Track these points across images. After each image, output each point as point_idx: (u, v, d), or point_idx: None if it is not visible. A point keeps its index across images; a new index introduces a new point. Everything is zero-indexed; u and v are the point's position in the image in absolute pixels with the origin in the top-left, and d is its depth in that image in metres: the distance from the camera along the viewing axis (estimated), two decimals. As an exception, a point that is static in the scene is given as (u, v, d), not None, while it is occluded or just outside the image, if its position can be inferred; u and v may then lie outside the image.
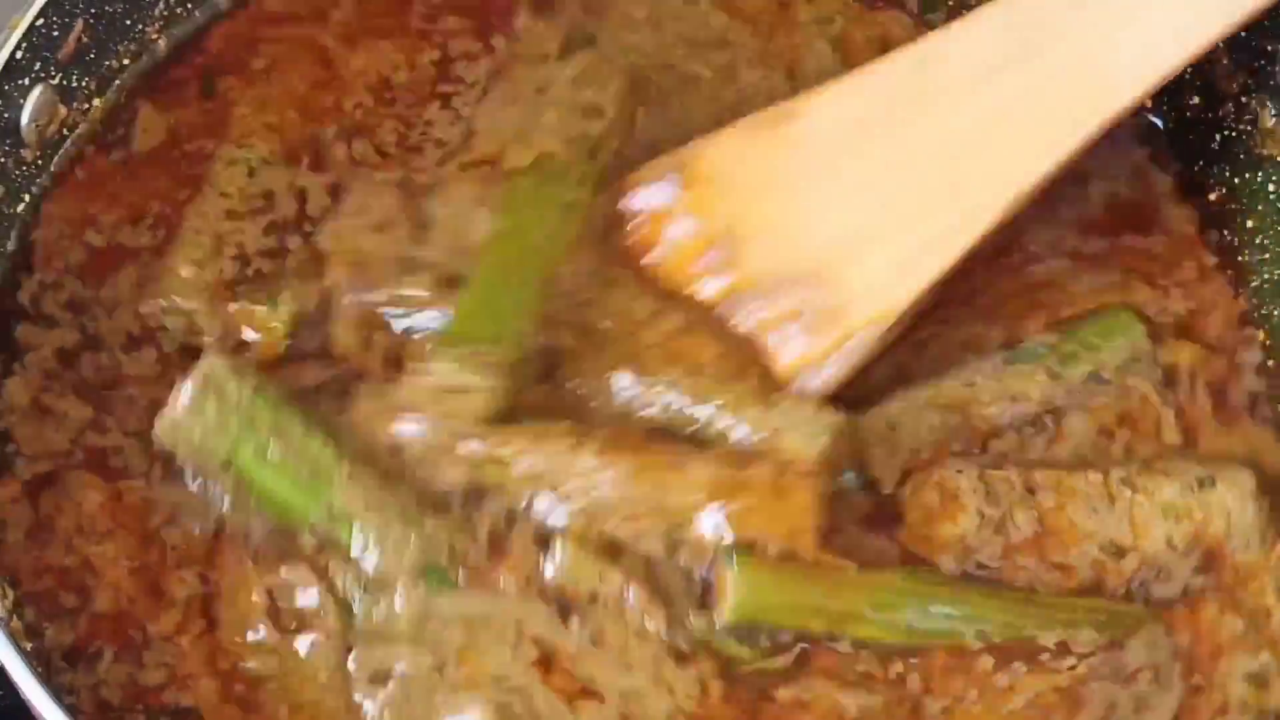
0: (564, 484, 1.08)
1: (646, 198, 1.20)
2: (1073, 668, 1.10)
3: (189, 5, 1.30)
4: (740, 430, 1.12)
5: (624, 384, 1.13)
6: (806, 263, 1.16)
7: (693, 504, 1.08)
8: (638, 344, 1.15)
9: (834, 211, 1.16)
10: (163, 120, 1.28)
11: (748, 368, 1.15)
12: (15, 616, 1.06)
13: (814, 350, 1.15)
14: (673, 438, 1.12)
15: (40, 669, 1.01)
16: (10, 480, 1.13)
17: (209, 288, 1.19)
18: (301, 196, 1.24)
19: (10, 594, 1.07)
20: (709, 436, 1.12)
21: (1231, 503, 1.14)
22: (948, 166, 1.14)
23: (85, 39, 1.23)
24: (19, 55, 1.18)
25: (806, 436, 1.10)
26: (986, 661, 1.10)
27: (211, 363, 1.09)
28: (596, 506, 1.08)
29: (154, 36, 1.28)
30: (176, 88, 1.29)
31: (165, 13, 1.28)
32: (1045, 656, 1.10)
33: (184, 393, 1.08)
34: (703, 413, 1.13)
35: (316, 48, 1.31)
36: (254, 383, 1.09)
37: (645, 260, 1.19)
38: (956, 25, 1.16)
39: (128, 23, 1.26)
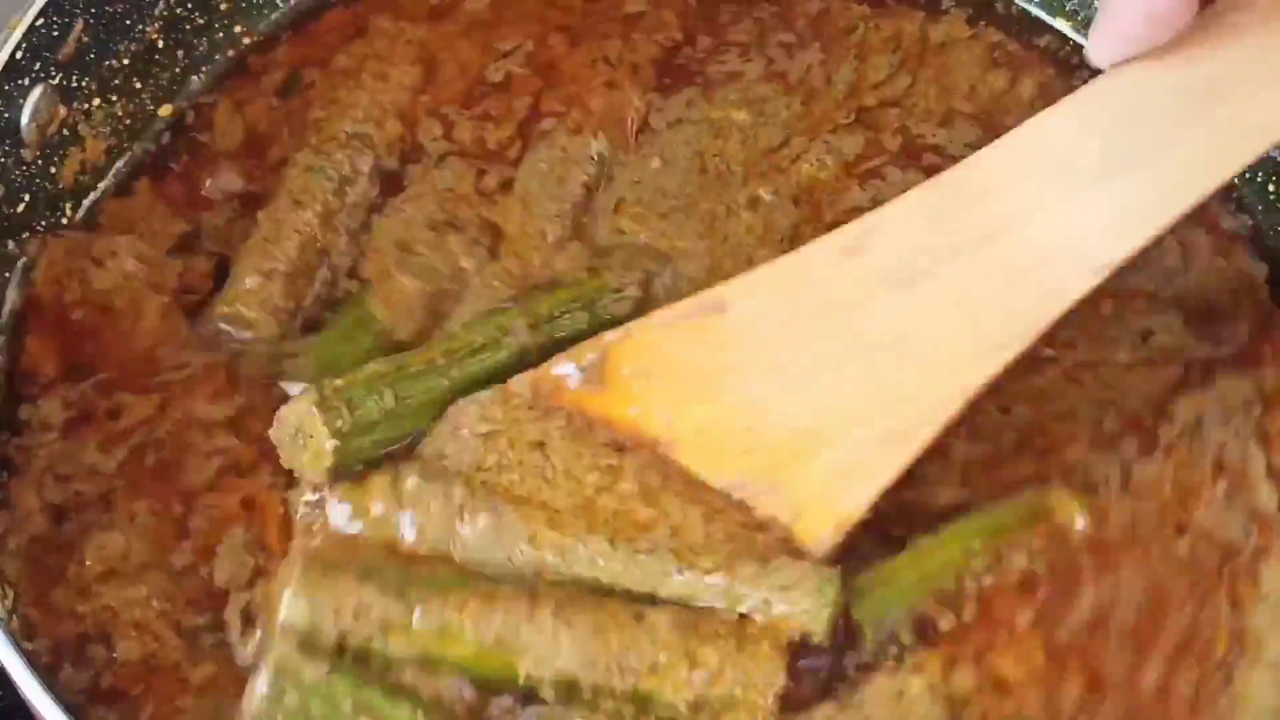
0: (525, 651, 1.03)
1: (576, 380, 1.11)
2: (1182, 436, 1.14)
3: (189, 5, 1.30)
4: (731, 598, 1.04)
5: (599, 557, 1.06)
6: (749, 469, 1.07)
7: (655, 662, 1.03)
8: (599, 514, 1.07)
9: (771, 412, 1.07)
10: (239, 118, 1.29)
11: (736, 532, 1.07)
12: (15, 616, 1.06)
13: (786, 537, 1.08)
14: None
15: (41, 670, 1.01)
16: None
17: (272, 301, 1.18)
18: (376, 208, 1.24)
19: (10, 594, 1.07)
20: (695, 604, 1.05)
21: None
22: (890, 364, 1.05)
23: (85, 39, 1.23)
24: (19, 55, 1.18)
25: (808, 610, 1.04)
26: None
27: (280, 652, 1.04)
28: (564, 675, 1.03)
29: (153, 36, 1.28)
30: (256, 80, 1.31)
31: (165, 13, 1.28)
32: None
33: (259, 686, 1.04)
34: (689, 578, 1.05)
35: (421, 45, 1.31)
36: (327, 663, 1.04)
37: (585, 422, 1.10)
38: (883, 211, 1.07)
39: (128, 23, 1.26)
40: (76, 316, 1.19)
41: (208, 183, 1.26)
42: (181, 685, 1.07)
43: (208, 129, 1.29)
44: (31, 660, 1.01)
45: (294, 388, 1.15)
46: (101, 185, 1.26)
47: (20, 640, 1.02)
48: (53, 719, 0.99)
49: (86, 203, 1.25)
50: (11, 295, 1.20)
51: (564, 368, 1.12)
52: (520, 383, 1.12)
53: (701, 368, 1.09)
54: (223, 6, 1.32)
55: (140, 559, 1.10)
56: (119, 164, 1.27)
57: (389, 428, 1.11)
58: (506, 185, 1.25)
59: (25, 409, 1.16)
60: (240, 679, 1.05)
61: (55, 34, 1.20)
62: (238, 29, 1.33)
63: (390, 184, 1.25)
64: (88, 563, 1.09)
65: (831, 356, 1.06)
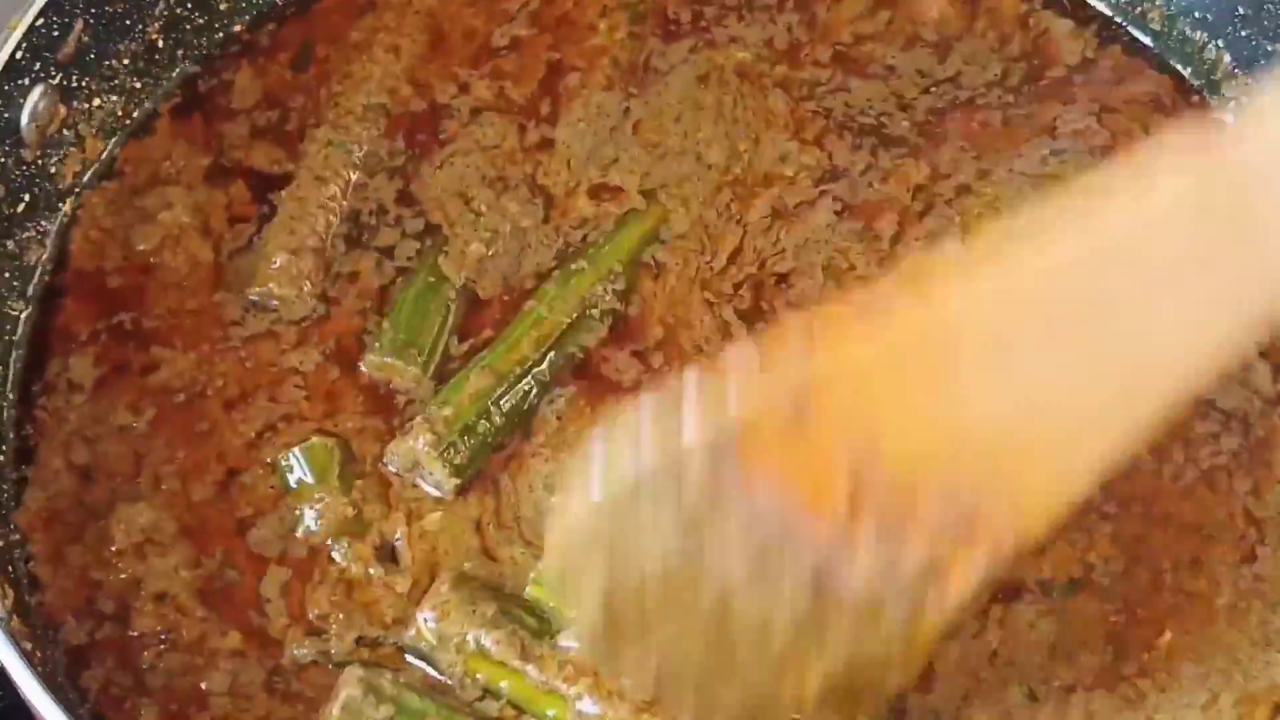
0: None
1: (782, 426, 0.93)
2: None
3: (189, 5, 1.30)
4: None
5: None
6: (963, 472, 0.95)
7: None
8: None
9: (992, 411, 0.95)
10: (258, 85, 1.30)
11: None
12: (15, 616, 1.06)
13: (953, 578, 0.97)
14: None
15: (41, 669, 1.01)
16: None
17: (303, 277, 1.20)
18: (400, 176, 1.26)
19: (10, 594, 1.07)
20: None
21: None
22: (1124, 347, 0.95)
23: (85, 39, 1.23)
24: (19, 55, 1.18)
25: None
26: None
27: (349, 694, 1.05)
28: None
29: (153, 36, 1.28)
30: (272, 53, 1.32)
31: (165, 12, 1.28)
32: None
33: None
34: None
35: (429, 15, 1.33)
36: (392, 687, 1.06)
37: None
38: (1134, 202, 0.94)
39: (128, 23, 1.26)
40: (115, 283, 1.21)
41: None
42: (203, 653, 1.09)
43: (226, 90, 1.30)
44: (31, 660, 1.01)
45: (371, 358, 1.18)
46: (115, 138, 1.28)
47: (21, 640, 1.02)
48: (53, 719, 0.99)
49: (104, 154, 1.26)
50: (47, 262, 1.22)
51: (760, 412, 0.93)
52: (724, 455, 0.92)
53: (910, 374, 0.95)
54: (222, 6, 1.32)
55: (170, 530, 1.12)
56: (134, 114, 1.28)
57: (496, 438, 1.15)
58: (545, 143, 1.28)
59: (54, 365, 1.18)
60: (268, 646, 1.09)
61: (55, 34, 1.20)
62: (238, 28, 1.33)
63: (425, 133, 1.28)
64: (114, 538, 1.11)
65: (1059, 348, 0.95)
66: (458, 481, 1.12)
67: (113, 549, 1.11)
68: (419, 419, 1.13)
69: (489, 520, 1.13)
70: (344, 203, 1.23)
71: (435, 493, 1.13)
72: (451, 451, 1.12)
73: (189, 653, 1.09)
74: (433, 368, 1.17)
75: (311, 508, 1.12)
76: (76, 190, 1.24)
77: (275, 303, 1.20)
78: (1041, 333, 0.95)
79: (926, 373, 0.95)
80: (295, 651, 1.08)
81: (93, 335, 1.19)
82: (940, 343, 0.95)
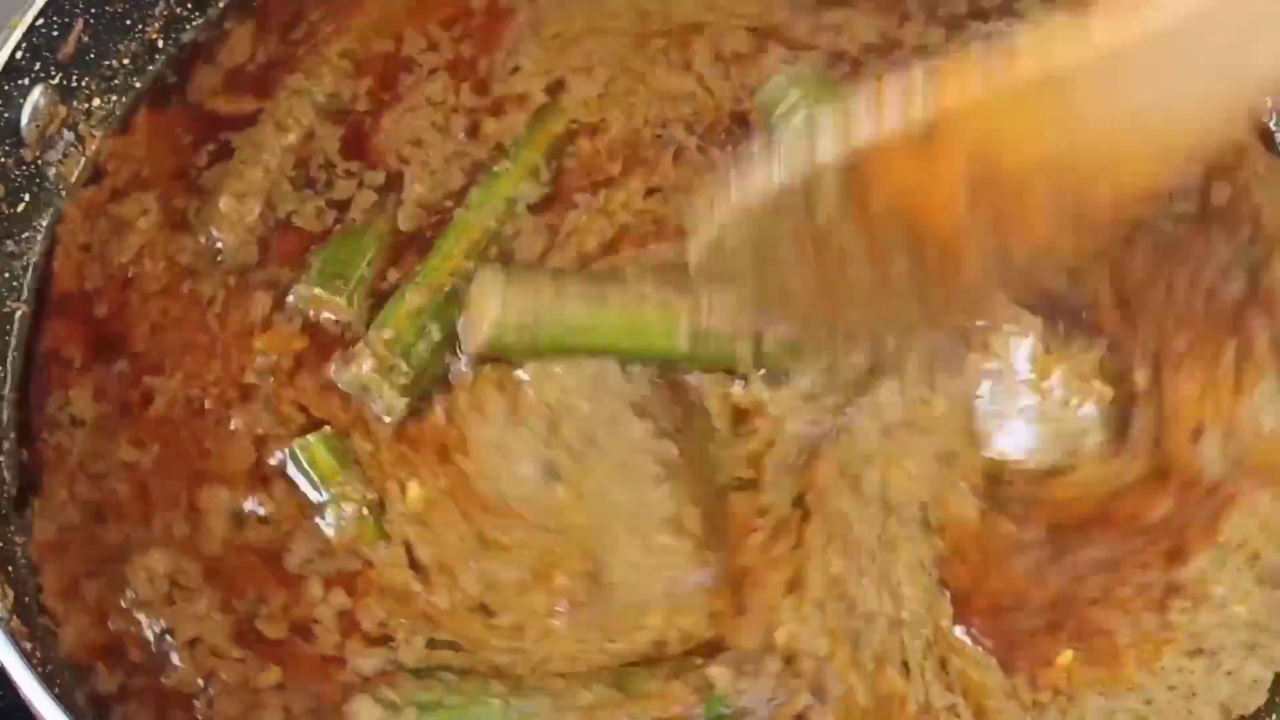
0: None
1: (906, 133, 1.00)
2: None
3: (189, 5, 1.30)
4: None
5: None
6: (1064, 173, 1.03)
7: None
8: None
9: (1097, 131, 1.02)
10: (250, 44, 1.30)
11: None
12: (15, 616, 1.06)
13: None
14: None
15: (41, 669, 1.02)
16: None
17: (245, 223, 1.21)
18: (354, 134, 1.26)
19: (10, 594, 1.08)
20: None
21: None
22: (1208, 89, 0.99)
23: (85, 39, 1.23)
24: (19, 55, 1.18)
25: None
26: None
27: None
28: None
29: (153, 36, 1.28)
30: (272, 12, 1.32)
31: (165, 12, 1.28)
32: None
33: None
34: None
35: None
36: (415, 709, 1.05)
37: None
38: None
39: (128, 23, 1.26)
40: (100, 312, 1.20)
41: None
42: (246, 690, 1.08)
43: (218, 49, 1.30)
44: (31, 660, 1.01)
45: (298, 288, 1.19)
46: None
47: (20, 640, 1.03)
48: (52, 719, 0.99)
49: (90, 152, 1.26)
50: (30, 281, 1.21)
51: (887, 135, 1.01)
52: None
53: (1028, 105, 1.02)
54: (221, 4, 1.32)
55: (195, 574, 1.11)
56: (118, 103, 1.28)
57: (440, 352, 1.16)
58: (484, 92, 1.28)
59: (55, 398, 1.17)
60: (314, 669, 1.08)
61: (55, 34, 1.21)
62: (243, 29, 1.33)
63: (386, 81, 1.28)
64: (131, 591, 1.10)
65: (1156, 80, 0.99)
66: (406, 400, 1.14)
67: (135, 597, 1.10)
68: (360, 344, 1.15)
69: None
70: (297, 152, 1.24)
71: (388, 418, 1.14)
72: (395, 373, 1.14)
73: (234, 696, 1.08)
74: (359, 297, 1.18)
75: (337, 507, 1.12)
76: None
77: (219, 244, 1.21)
78: (1144, 69, 0.99)
79: (1043, 104, 1.01)
80: (359, 664, 1.07)
81: (85, 365, 1.18)
82: (1055, 79, 1.00)
